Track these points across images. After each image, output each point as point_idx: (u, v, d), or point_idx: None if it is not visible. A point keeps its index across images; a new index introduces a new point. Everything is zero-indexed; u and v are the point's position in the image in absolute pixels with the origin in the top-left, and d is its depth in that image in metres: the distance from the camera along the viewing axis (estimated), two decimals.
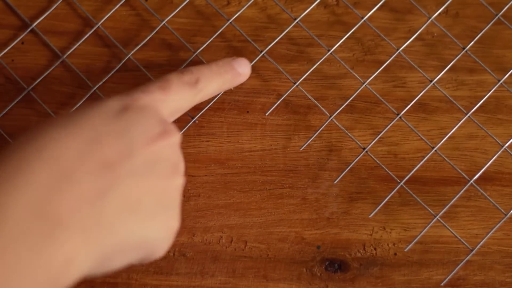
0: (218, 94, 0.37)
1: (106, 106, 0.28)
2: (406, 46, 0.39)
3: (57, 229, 0.23)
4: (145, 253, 0.28)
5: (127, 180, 0.26)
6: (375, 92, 0.38)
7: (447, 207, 0.36)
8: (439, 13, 0.40)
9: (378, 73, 0.38)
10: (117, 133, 0.27)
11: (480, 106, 0.38)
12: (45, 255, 0.23)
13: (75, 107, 0.36)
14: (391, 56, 0.39)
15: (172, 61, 0.39)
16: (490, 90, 0.38)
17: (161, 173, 0.28)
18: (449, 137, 0.37)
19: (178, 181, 0.29)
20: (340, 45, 0.40)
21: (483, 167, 0.37)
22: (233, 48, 0.40)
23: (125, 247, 0.26)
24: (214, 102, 0.38)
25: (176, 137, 0.29)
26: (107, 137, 0.26)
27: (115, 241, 0.25)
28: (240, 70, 0.36)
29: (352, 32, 0.39)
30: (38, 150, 0.25)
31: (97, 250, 0.25)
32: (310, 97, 0.38)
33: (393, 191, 0.36)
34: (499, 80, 0.38)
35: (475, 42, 0.39)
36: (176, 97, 0.31)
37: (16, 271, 0.22)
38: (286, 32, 0.39)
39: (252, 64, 0.38)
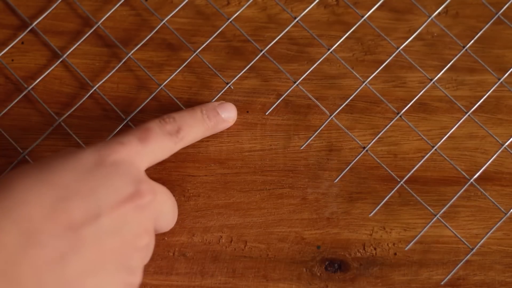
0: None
1: (80, 159, 0.28)
2: (406, 46, 0.39)
3: None
4: None
5: (90, 242, 0.26)
6: (375, 92, 0.38)
7: (447, 206, 0.36)
8: (439, 13, 0.40)
9: (378, 72, 0.38)
10: (86, 192, 0.27)
11: (480, 105, 0.38)
12: None
13: (48, 160, 0.30)
14: (391, 56, 0.38)
15: (172, 60, 0.39)
16: (490, 90, 0.38)
17: (127, 236, 0.28)
18: (449, 136, 0.37)
19: (143, 242, 0.29)
20: (340, 45, 0.39)
21: (483, 167, 0.37)
22: (233, 48, 0.40)
23: None
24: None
25: (147, 198, 0.29)
26: (75, 197, 0.27)
27: None
28: (225, 116, 0.36)
29: (352, 32, 0.39)
30: (8, 210, 0.26)
31: None
32: (311, 97, 0.38)
33: (393, 191, 0.36)
34: (499, 79, 0.38)
35: (475, 42, 0.39)
36: (156, 147, 0.31)
37: None
38: (286, 32, 0.39)
39: (251, 63, 0.38)
